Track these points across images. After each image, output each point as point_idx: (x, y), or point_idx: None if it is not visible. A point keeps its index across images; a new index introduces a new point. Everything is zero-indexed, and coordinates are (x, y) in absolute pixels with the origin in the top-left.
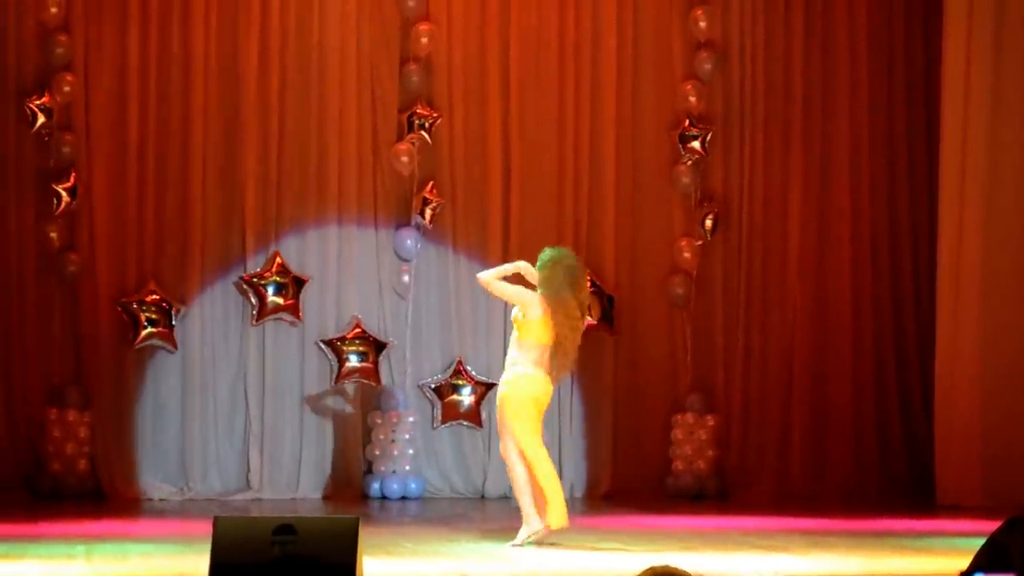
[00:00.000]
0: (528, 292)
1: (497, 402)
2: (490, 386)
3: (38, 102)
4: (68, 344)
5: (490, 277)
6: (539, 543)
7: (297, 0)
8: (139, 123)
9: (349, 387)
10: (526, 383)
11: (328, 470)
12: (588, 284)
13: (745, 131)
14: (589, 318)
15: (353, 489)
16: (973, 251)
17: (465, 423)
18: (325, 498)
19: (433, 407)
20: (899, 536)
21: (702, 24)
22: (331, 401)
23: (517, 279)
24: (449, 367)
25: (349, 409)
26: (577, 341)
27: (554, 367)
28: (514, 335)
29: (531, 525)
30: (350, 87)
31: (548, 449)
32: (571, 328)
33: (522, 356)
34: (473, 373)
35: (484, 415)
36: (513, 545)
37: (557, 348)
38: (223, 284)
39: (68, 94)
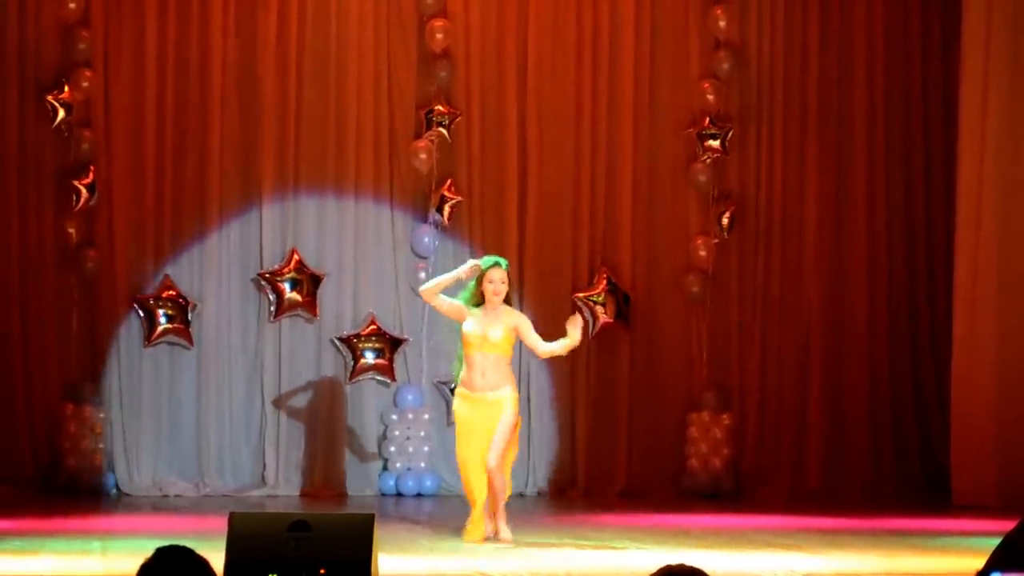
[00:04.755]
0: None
1: None
2: None
3: (58, 97)
4: (85, 340)
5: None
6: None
7: None
8: (158, 119)
9: (364, 384)
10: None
11: (343, 466)
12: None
13: (762, 129)
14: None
15: (368, 486)
16: (990, 248)
17: None
18: (340, 495)
19: (447, 404)
20: (915, 535)
21: (722, 23)
22: (346, 398)
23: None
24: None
25: (364, 406)
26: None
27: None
28: None
29: None
30: (367, 83)
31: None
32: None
33: None
34: None
35: None
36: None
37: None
38: (240, 281)
39: (87, 90)
